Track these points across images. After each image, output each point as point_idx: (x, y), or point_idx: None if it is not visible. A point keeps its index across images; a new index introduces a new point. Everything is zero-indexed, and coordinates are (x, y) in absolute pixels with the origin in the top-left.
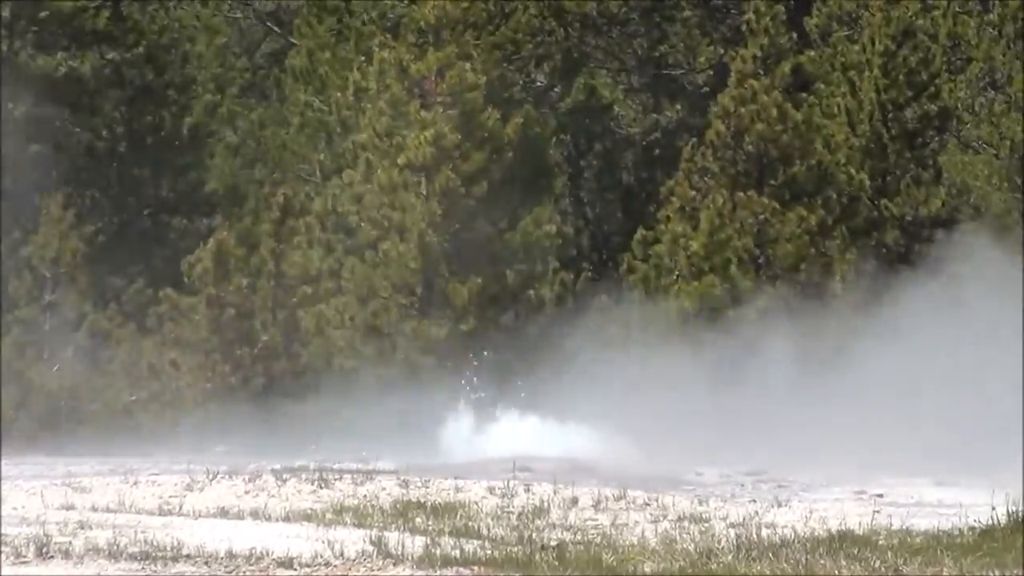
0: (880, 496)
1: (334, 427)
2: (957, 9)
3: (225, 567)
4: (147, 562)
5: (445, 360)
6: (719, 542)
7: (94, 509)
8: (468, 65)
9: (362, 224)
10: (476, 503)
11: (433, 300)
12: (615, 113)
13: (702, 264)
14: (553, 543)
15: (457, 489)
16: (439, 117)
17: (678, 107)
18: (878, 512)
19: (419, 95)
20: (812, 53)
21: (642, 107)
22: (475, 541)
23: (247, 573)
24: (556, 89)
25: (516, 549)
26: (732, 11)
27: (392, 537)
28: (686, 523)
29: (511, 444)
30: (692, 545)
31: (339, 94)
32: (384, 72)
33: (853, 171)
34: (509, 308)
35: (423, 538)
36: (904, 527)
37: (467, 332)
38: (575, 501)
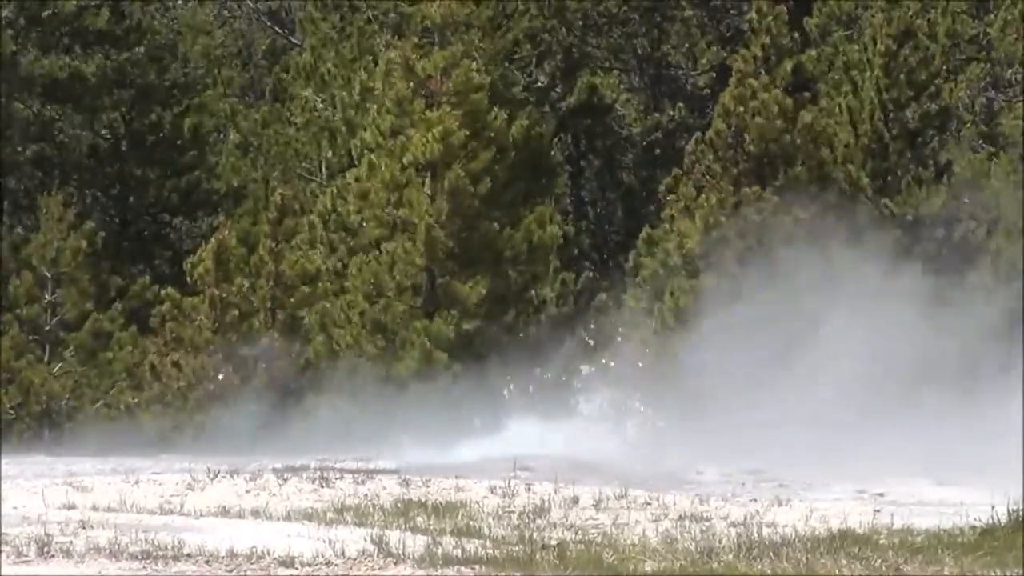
0: (881, 495)
1: (336, 426)
2: (957, 9)
3: (226, 566)
4: (148, 561)
5: (449, 358)
6: (720, 541)
7: (95, 508)
8: (473, 64)
9: (366, 224)
10: (477, 502)
11: (438, 299)
12: (616, 113)
13: (699, 262)
14: (554, 542)
15: (458, 488)
16: (444, 116)
17: (679, 106)
18: (879, 511)
19: (424, 94)
20: (813, 53)
21: (643, 107)
22: (476, 540)
23: (248, 572)
24: (557, 89)
25: (517, 548)
26: (732, 11)
27: (393, 536)
28: (687, 522)
29: (512, 443)
30: (693, 544)
31: (344, 93)
32: (389, 71)
33: (853, 170)
34: (511, 307)
35: (424, 537)
36: (905, 526)
37: (472, 331)
38: (576, 500)
